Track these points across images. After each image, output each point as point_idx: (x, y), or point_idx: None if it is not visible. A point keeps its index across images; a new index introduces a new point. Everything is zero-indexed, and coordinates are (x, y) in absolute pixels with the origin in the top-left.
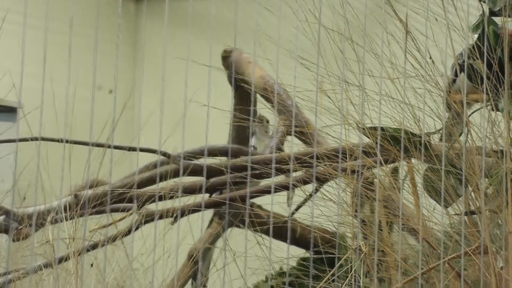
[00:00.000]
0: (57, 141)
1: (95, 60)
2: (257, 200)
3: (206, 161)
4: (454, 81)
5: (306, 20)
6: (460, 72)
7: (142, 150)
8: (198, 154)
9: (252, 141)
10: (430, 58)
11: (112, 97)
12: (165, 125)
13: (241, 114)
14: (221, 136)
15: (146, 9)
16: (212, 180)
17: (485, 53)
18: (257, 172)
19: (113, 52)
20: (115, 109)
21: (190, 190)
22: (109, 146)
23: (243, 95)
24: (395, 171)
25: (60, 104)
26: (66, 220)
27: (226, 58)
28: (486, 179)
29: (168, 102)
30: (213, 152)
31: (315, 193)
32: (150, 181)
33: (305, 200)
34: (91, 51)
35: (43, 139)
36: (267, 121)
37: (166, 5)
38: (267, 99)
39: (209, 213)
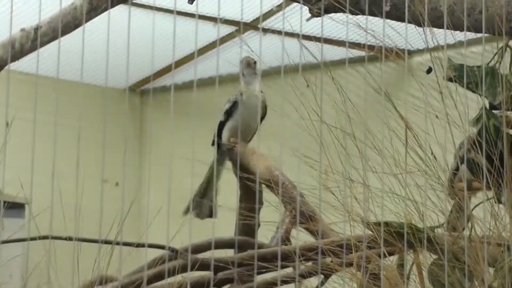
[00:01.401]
0: (66, 239)
1: (104, 154)
2: None
3: (214, 254)
4: (455, 173)
5: (309, 117)
6: (461, 164)
7: (150, 246)
8: (206, 247)
9: (241, 83)
10: (432, 153)
11: (119, 190)
12: (172, 218)
13: (247, 205)
14: (228, 228)
15: (151, 101)
16: (220, 274)
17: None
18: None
19: (119, 145)
20: (123, 205)
21: (198, 285)
22: (117, 243)
23: (248, 186)
24: (401, 266)
25: (68, 199)
26: None
27: (231, 149)
28: (491, 272)
29: (175, 194)
30: (220, 245)
31: (321, 286)
32: (158, 277)
33: None
34: (96, 144)
35: (53, 237)
36: (254, 62)
37: (171, 101)
38: (273, 190)
39: None
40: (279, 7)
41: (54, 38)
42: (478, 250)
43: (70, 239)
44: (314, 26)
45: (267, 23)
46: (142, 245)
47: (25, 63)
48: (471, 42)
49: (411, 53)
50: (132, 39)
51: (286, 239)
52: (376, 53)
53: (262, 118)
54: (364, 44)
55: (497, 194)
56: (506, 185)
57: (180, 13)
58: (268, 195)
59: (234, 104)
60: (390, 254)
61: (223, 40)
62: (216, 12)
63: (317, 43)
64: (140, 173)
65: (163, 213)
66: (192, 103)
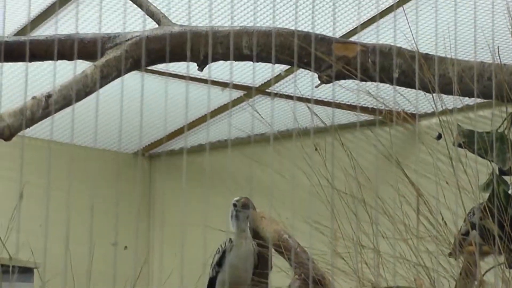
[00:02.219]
0: None
1: (117, 220)
2: None
3: None
4: (464, 238)
5: (319, 183)
6: (472, 230)
7: None
8: None
9: (234, 228)
10: (443, 219)
11: (127, 254)
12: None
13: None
14: None
15: (160, 165)
16: None
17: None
18: None
19: (127, 208)
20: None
21: None
22: None
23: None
24: None
25: (77, 263)
26: None
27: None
28: None
29: (184, 259)
30: None
31: None
32: None
33: None
34: (104, 208)
35: None
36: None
37: (184, 165)
38: (282, 253)
39: None
40: (287, 72)
41: (65, 105)
42: None
43: None
44: (323, 90)
45: (275, 88)
46: None
47: (36, 129)
48: (479, 106)
49: (420, 117)
50: (139, 105)
51: None
52: (385, 119)
53: (255, 267)
54: (372, 108)
55: (508, 259)
56: None
57: (189, 78)
58: (277, 260)
59: (223, 254)
60: None
61: (231, 104)
62: (223, 77)
63: (326, 107)
64: (148, 237)
65: (172, 278)
66: (202, 167)
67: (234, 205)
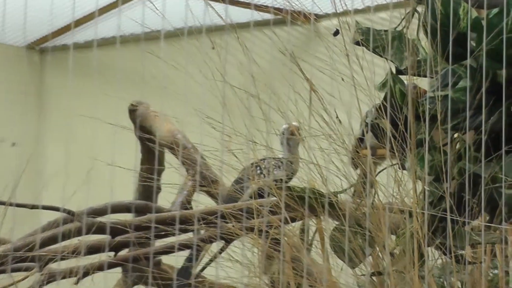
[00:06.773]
0: None
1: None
2: (164, 259)
3: (111, 218)
4: (361, 139)
5: (213, 78)
6: (367, 131)
7: (45, 208)
8: (104, 211)
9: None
10: (337, 117)
11: (15, 150)
12: (69, 180)
13: (148, 168)
14: (127, 192)
15: (51, 60)
16: (117, 238)
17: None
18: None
19: (17, 103)
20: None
21: (94, 249)
22: (11, 204)
23: (150, 149)
24: (302, 231)
25: None
26: None
27: (132, 111)
28: (393, 239)
29: (73, 155)
30: (119, 208)
31: (221, 252)
32: (53, 240)
33: (211, 260)
34: None
35: None
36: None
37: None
38: (175, 153)
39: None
40: None
41: None
42: (380, 217)
43: None
44: None
45: None
46: (37, 207)
47: None
48: (379, 8)
49: (319, 17)
50: None
51: (188, 203)
52: (284, 16)
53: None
54: (268, 6)
55: (401, 159)
56: (410, 151)
57: None
58: (170, 159)
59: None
60: (293, 219)
61: (121, 2)
62: None
63: (222, 4)
64: (38, 133)
65: (62, 175)
66: (92, 62)
67: (283, 133)
